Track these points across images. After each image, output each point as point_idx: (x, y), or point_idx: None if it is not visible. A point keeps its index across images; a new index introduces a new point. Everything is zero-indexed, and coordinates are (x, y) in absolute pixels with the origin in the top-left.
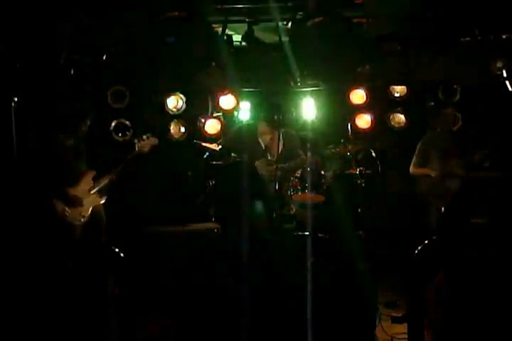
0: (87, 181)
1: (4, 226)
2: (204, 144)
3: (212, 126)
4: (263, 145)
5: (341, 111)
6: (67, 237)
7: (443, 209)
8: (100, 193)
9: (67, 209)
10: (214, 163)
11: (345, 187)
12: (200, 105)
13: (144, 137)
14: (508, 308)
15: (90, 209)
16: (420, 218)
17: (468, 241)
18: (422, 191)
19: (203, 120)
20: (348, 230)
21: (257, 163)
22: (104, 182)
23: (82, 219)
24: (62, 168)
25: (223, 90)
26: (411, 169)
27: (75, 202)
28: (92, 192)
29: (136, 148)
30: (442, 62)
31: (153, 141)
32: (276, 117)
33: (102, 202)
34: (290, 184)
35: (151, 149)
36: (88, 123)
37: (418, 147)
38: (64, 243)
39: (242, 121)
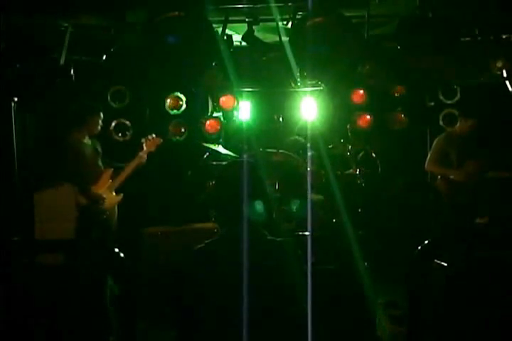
0: (106, 179)
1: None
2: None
3: (211, 126)
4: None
5: (341, 111)
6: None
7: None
8: (116, 191)
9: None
10: (214, 163)
11: (345, 187)
12: (200, 105)
13: (150, 137)
14: (508, 308)
15: (110, 207)
16: (420, 218)
17: (469, 241)
18: (439, 189)
19: (203, 120)
20: (348, 230)
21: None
22: (121, 180)
23: (105, 216)
24: (84, 166)
25: (223, 90)
26: (428, 165)
27: (97, 200)
28: (110, 190)
29: (145, 148)
30: (442, 62)
31: (159, 141)
32: (276, 117)
33: (119, 200)
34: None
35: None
36: (100, 122)
37: (436, 144)
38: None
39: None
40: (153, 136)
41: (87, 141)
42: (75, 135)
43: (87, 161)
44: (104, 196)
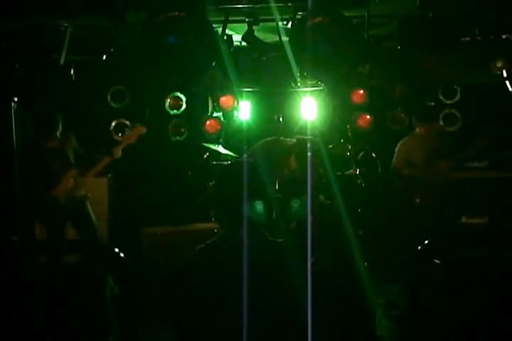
0: (67, 181)
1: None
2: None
3: (211, 126)
4: None
5: (341, 111)
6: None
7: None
8: (84, 191)
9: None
10: (214, 163)
11: (345, 187)
12: (200, 105)
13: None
14: (508, 308)
15: (70, 207)
16: (420, 218)
17: (468, 241)
18: (407, 190)
19: (203, 120)
20: (348, 230)
21: None
22: (90, 176)
23: (72, 216)
24: (43, 168)
25: (223, 90)
26: (395, 165)
27: (53, 201)
28: (75, 189)
29: (123, 143)
30: (442, 62)
31: (141, 130)
32: (276, 117)
33: (84, 199)
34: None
35: (138, 138)
36: (59, 125)
37: (399, 149)
38: (55, 241)
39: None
40: (136, 126)
41: (50, 144)
42: (36, 138)
43: (46, 164)
44: (60, 197)
